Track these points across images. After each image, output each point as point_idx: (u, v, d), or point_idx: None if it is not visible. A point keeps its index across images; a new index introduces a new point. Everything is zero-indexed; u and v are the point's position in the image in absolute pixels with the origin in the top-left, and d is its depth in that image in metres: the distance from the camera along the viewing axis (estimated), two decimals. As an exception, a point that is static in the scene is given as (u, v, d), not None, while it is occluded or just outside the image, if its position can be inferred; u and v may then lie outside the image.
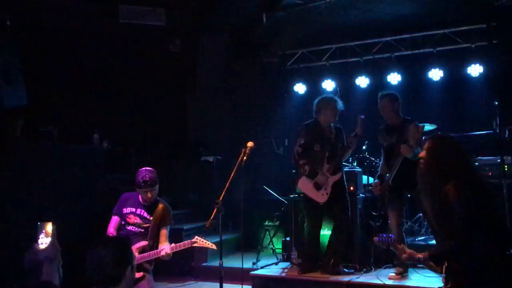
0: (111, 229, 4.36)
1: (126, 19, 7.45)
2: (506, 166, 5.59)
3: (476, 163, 6.57)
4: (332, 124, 5.40)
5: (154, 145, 7.92)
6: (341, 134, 5.46)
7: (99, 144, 7.04)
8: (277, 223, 7.08)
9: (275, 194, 6.94)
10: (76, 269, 2.58)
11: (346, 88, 8.12)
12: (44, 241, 2.30)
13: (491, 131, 6.14)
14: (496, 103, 5.27)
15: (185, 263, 6.48)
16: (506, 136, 2.99)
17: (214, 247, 4.22)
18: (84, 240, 4.88)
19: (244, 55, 8.86)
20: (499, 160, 5.41)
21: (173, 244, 4.21)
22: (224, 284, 5.46)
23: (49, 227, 2.31)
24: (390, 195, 4.99)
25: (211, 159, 7.68)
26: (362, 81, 8.00)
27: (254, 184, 7.65)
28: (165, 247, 4.15)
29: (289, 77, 8.66)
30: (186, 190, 7.67)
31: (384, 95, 5.35)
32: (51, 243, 2.30)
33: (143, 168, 4.32)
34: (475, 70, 7.29)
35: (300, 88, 8.47)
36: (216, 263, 6.29)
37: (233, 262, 6.23)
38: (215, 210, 3.81)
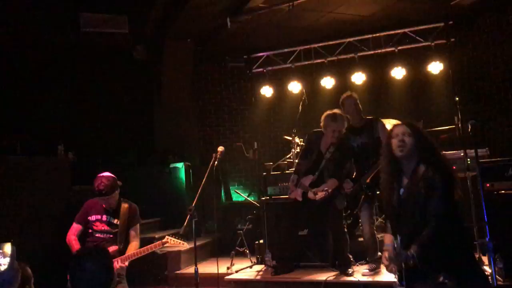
0: (72, 236, 4.28)
1: (87, 27, 7.31)
2: (469, 160, 5.77)
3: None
4: None
5: (121, 153, 7.81)
6: None
7: (64, 156, 6.89)
8: (250, 226, 7.09)
9: (246, 198, 6.96)
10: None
11: (312, 89, 8.22)
12: (1, 262, 2.21)
13: (453, 126, 6.33)
14: (457, 98, 5.44)
15: (159, 272, 6.41)
16: (469, 130, 3.10)
17: (186, 245, 4.20)
18: (55, 256, 4.78)
19: (210, 60, 8.88)
20: (462, 154, 5.57)
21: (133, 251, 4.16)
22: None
23: (7, 247, 2.22)
24: (366, 193, 5.07)
25: (180, 165, 7.62)
26: (327, 82, 8.11)
27: (226, 188, 7.66)
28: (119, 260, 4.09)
29: (256, 81, 8.70)
30: (155, 197, 7.58)
31: (348, 96, 5.46)
32: (10, 265, 2.23)
33: (100, 175, 4.25)
34: (435, 67, 7.50)
35: (267, 91, 8.51)
36: (190, 270, 6.28)
37: (207, 268, 6.23)
38: (188, 217, 3.79)
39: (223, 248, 7.06)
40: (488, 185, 4.98)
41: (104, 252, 2.34)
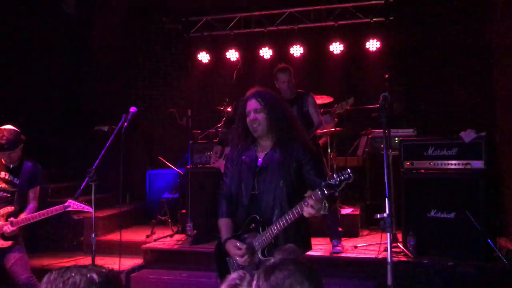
0: None
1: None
2: (396, 139, 5.87)
3: (370, 135, 6.86)
4: None
5: (44, 113, 7.34)
6: None
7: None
8: (176, 195, 6.91)
9: (171, 166, 6.76)
10: None
11: (249, 59, 8.02)
12: None
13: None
14: (386, 76, 5.42)
15: (74, 238, 6.16)
16: (379, 102, 3.03)
17: (90, 209, 3.90)
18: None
19: (145, 20, 8.43)
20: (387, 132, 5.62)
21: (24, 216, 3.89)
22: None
23: None
24: None
25: (105, 128, 7.25)
26: (266, 53, 7.91)
27: (155, 156, 7.41)
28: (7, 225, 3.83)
29: (193, 45, 8.34)
30: (78, 160, 7.20)
31: (286, 68, 5.31)
32: None
33: (2, 127, 3.90)
34: (373, 45, 7.47)
35: (203, 57, 8.20)
36: (107, 237, 6.09)
37: (127, 235, 6.05)
38: (85, 180, 3.53)
39: (147, 217, 6.89)
40: (408, 163, 5.05)
41: None
